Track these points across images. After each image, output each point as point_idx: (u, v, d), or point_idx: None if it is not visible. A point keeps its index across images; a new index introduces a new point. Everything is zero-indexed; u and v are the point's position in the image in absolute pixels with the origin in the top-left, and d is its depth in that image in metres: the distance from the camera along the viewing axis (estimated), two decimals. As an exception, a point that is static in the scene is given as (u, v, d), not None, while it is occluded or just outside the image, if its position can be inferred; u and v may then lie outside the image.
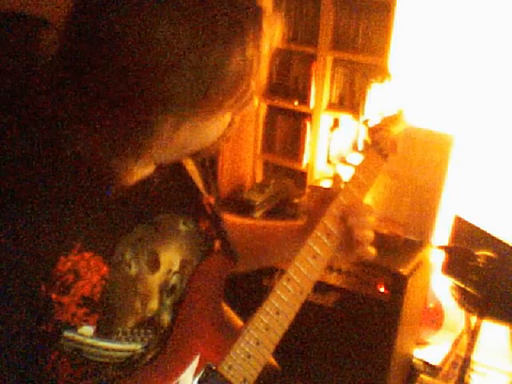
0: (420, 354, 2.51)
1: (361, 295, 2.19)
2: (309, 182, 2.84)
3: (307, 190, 2.70)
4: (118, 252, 0.87)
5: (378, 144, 1.02)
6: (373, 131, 1.04)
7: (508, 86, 2.32)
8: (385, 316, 2.17)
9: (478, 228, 2.06)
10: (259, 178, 3.05)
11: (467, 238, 2.10)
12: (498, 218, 2.22)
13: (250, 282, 2.29)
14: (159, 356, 0.94)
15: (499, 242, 1.95)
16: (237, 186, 2.95)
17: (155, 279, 0.91)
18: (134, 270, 0.88)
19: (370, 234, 0.97)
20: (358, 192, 0.99)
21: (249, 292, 2.11)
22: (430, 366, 2.46)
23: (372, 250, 0.99)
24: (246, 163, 3.01)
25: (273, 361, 1.26)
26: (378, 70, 2.55)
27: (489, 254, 1.86)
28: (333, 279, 2.22)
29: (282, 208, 2.61)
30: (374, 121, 1.06)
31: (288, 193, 2.71)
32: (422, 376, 2.45)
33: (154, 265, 0.91)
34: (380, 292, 2.17)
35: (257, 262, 1.22)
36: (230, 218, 1.20)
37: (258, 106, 2.92)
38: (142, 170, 0.90)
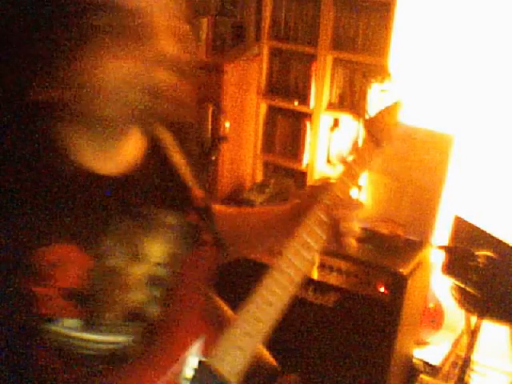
0: (420, 354, 2.51)
1: (361, 295, 2.19)
2: (309, 182, 2.84)
3: (307, 190, 2.70)
4: (100, 244, 0.87)
5: (373, 134, 1.03)
6: (369, 122, 1.05)
7: (508, 86, 2.32)
8: (385, 316, 2.17)
9: (478, 228, 2.06)
10: (259, 178, 3.05)
11: (467, 237, 2.11)
12: (498, 218, 2.22)
13: (249, 282, 2.28)
14: (148, 349, 0.93)
15: (499, 242, 1.95)
16: (237, 185, 2.95)
17: (140, 271, 0.91)
18: (117, 262, 0.88)
19: (354, 227, 0.97)
20: (350, 181, 1.00)
21: (248, 291, 2.11)
22: (430, 365, 2.46)
23: (353, 243, 0.98)
24: (246, 163, 3.01)
25: (273, 361, 1.26)
26: (377, 70, 2.55)
27: (489, 253, 1.87)
28: (333, 279, 2.22)
29: (282, 208, 2.61)
30: (371, 113, 1.07)
31: (288, 193, 2.70)
32: (421, 376, 2.45)
33: (138, 257, 0.91)
34: (380, 292, 2.17)
35: (249, 248, 1.23)
36: (220, 208, 1.20)
37: (258, 106, 2.93)
38: (115, 151, 0.90)
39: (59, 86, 0.82)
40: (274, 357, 1.26)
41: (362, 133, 1.04)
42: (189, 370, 0.91)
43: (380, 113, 1.07)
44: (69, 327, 0.85)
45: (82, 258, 0.85)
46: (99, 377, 0.90)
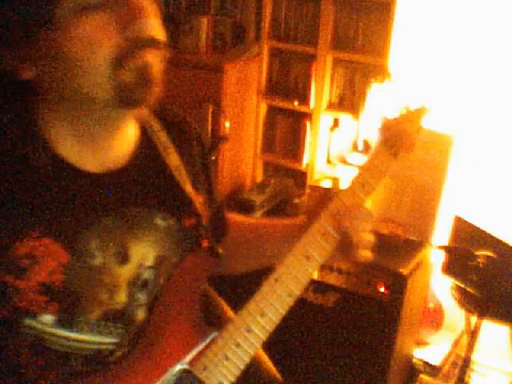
0: (420, 354, 2.50)
1: (361, 295, 2.19)
2: (309, 182, 2.83)
3: (307, 190, 2.70)
4: (81, 241, 0.86)
5: (389, 141, 0.95)
6: (386, 127, 0.97)
7: (508, 86, 2.32)
8: (385, 316, 2.17)
9: (478, 228, 2.06)
10: (259, 177, 3.05)
11: (467, 237, 2.10)
12: (498, 218, 2.22)
13: (250, 283, 2.28)
14: (131, 354, 0.91)
15: (499, 242, 1.95)
16: (237, 186, 2.95)
17: (124, 272, 0.89)
18: (98, 261, 0.87)
19: (367, 238, 0.92)
20: (361, 191, 0.95)
21: (250, 293, 2.10)
22: (430, 365, 2.46)
23: (367, 254, 0.94)
24: (246, 163, 3.01)
25: (276, 374, 1.24)
26: (377, 70, 2.55)
27: (489, 253, 1.86)
28: (333, 279, 2.22)
29: (282, 208, 2.61)
30: (390, 115, 1.00)
31: (288, 193, 2.70)
32: (421, 376, 2.45)
33: (123, 257, 0.89)
34: (380, 292, 2.17)
35: (256, 261, 1.19)
36: (231, 218, 1.19)
37: (258, 106, 2.93)
38: (109, 136, 0.88)
39: (37, 59, 0.81)
40: (273, 356, 1.26)
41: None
42: (170, 377, 0.87)
43: (399, 118, 0.99)
44: (44, 323, 0.84)
45: (60, 253, 0.84)
46: (83, 377, 0.88)
